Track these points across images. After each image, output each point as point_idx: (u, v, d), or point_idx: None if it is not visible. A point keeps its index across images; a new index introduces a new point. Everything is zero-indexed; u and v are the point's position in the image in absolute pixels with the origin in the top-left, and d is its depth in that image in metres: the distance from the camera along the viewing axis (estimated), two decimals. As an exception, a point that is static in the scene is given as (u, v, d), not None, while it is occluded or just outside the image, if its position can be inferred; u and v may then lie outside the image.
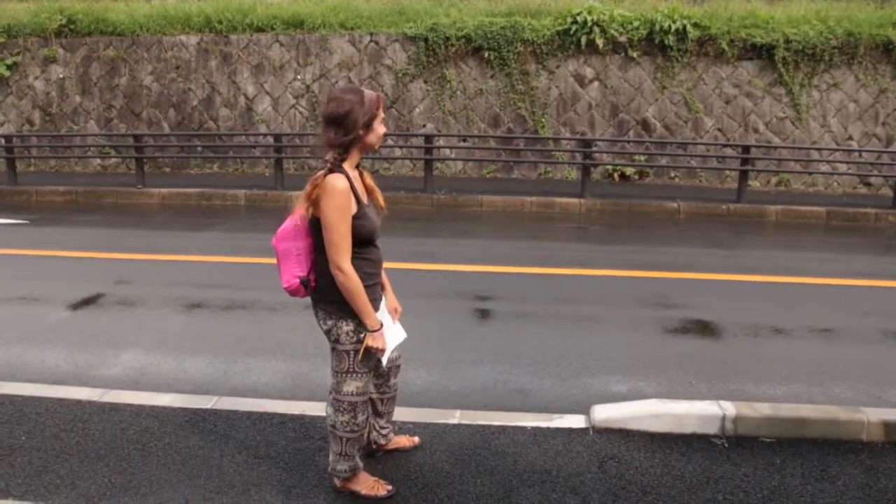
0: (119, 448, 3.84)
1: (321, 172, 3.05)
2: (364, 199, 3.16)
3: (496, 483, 3.54)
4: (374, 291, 3.22)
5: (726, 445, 3.95)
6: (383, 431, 3.73)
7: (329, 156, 3.07)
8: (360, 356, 3.19)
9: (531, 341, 5.69)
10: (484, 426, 4.09)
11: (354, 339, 3.16)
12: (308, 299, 3.27)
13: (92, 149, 14.76)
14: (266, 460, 3.72)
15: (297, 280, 3.14)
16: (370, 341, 3.14)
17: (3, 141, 13.35)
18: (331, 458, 3.40)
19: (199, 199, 12.12)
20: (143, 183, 12.58)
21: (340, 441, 3.32)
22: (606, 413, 4.16)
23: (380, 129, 3.11)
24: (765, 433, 4.04)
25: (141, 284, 7.21)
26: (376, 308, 3.21)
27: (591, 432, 4.06)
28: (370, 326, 3.13)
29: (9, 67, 14.97)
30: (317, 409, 4.24)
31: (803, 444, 3.96)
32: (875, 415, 4.09)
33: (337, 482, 3.43)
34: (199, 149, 14.46)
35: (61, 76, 15.01)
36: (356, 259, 3.09)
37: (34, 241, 9.24)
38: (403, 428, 4.03)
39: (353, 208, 3.06)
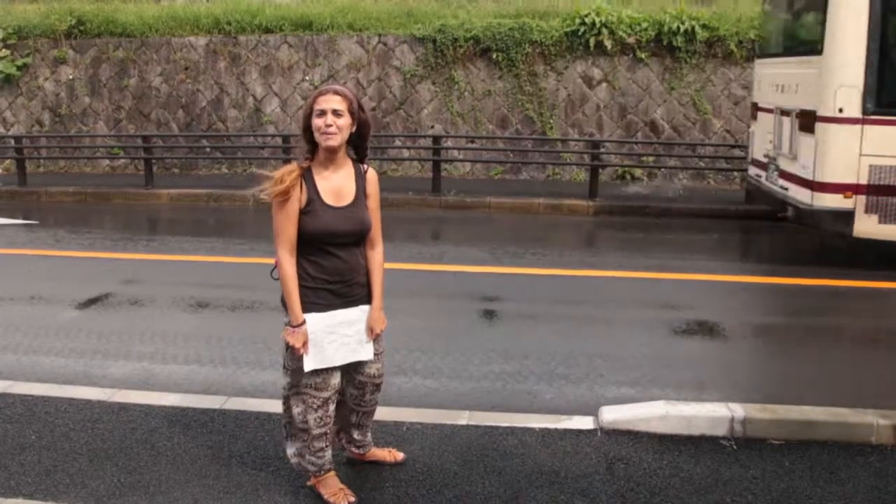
0: (128, 448, 3.85)
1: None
2: (327, 198, 3.15)
3: (504, 484, 3.54)
4: (317, 295, 3.16)
5: (735, 447, 3.94)
6: (359, 442, 3.65)
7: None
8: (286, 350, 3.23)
9: (539, 343, 5.69)
10: (492, 427, 4.09)
11: None
12: None
13: (101, 149, 14.80)
14: (275, 461, 3.73)
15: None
16: (285, 334, 3.15)
17: (13, 142, 13.41)
18: (288, 451, 3.44)
19: (207, 200, 12.14)
20: (152, 183, 12.61)
21: (294, 435, 3.37)
22: (615, 414, 4.15)
23: (314, 121, 3.09)
24: (774, 435, 4.02)
25: (149, 284, 7.24)
26: (317, 311, 3.17)
27: (599, 434, 4.05)
28: (292, 321, 3.14)
29: (19, 69, 15.04)
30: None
31: (812, 447, 3.95)
32: (884, 417, 4.07)
33: (309, 480, 3.44)
34: (208, 150, 14.48)
35: (71, 77, 15.07)
36: (301, 258, 3.11)
37: (43, 241, 9.29)
38: (411, 429, 4.03)
39: (301, 202, 3.08)
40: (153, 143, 13.47)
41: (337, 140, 3.10)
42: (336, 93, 3.09)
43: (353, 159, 3.29)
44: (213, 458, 3.76)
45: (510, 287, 7.27)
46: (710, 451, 3.90)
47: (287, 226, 3.05)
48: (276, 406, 4.30)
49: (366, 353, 3.34)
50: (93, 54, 15.01)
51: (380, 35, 14.30)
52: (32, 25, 15.06)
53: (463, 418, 4.19)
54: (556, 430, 4.08)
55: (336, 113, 3.05)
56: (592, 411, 4.28)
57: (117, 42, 14.95)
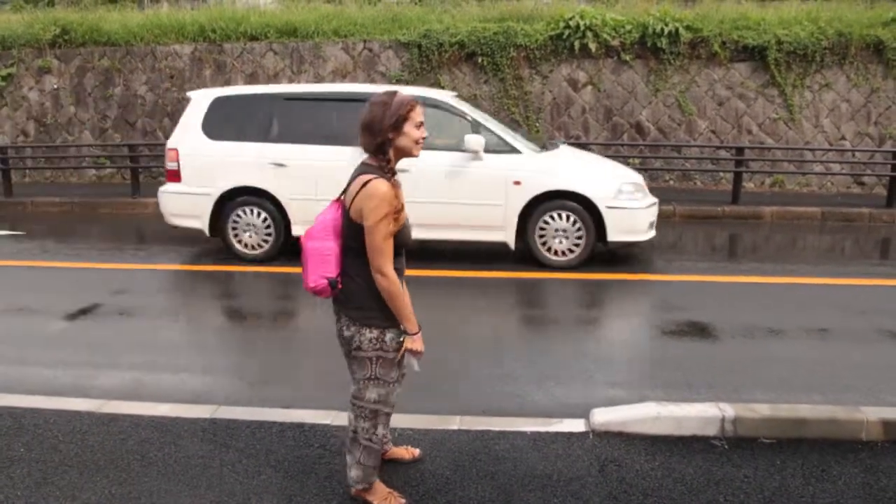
0: (119, 459, 3.83)
1: (365, 177, 2.99)
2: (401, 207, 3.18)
3: (496, 488, 3.54)
4: None
5: (726, 447, 3.96)
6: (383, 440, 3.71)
7: (372, 160, 3.06)
8: (396, 360, 3.16)
9: (528, 346, 5.70)
10: (484, 431, 4.09)
11: (377, 346, 3.13)
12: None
13: (87, 159, 14.74)
14: (266, 469, 3.72)
15: (325, 281, 3.09)
16: (409, 344, 3.12)
17: (-3, 152, 13.34)
18: (348, 460, 3.39)
19: (194, 208, 12.08)
20: (139, 193, 12.57)
21: (359, 448, 3.32)
22: (606, 416, 4.16)
23: (413, 132, 3.03)
24: (764, 434, 4.04)
25: (138, 294, 7.20)
26: None
27: (590, 436, 4.06)
28: (411, 329, 3.12)
29: (3, 79, 14.96)
30: (316, 417, 4.25)
31: (803, 445, 3.98)
32: (874, 414, 4.10)
33: (352, 490, 3.42)
34: (195, 158, 14.41)
35: (56, 87, 15.00)
36: None
37: (30, 252, 9.22)
38: (403, 435, 4.03)
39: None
40: (139, 152, 13.44)
41: None
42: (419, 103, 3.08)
43: None
44: (204, 467, 3.75)
45: (497, 290, 7.28)
46: (702, 451, 3.92)
47: (390, 239, 3.02)
48: (266, 414, 4.32)
49: None
50: (77, 63, 14.95)
51: (365, 41, 14.31)
52: (16, 35, 14.98)
53: (454, 423, 4.19)
54: (547, 433, 4.09)
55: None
56: (583, 414, 4.30)
57: (102, 51, 14.89)
